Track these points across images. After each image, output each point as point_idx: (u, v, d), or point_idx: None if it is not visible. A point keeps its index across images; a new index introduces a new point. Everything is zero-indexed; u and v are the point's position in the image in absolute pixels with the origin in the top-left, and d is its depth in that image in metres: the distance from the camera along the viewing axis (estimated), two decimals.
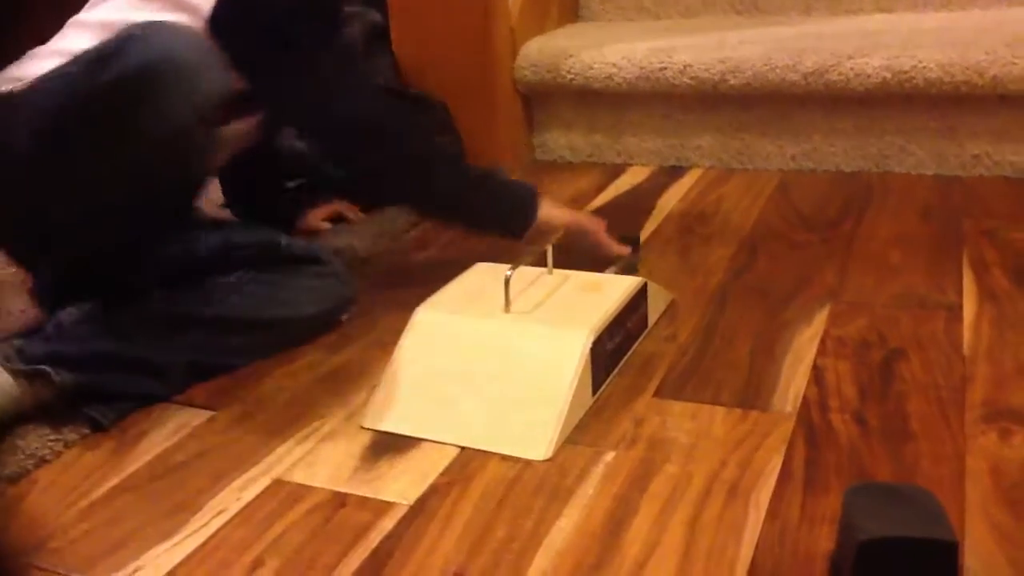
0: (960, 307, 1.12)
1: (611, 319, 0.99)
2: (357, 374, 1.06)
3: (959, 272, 1.22)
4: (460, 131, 1.77)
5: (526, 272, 1.07)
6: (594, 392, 0.97)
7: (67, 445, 0.94)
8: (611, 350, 1.00)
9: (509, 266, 1.01)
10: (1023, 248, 1.28)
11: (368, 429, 0.94)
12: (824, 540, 0.74)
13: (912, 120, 1.63)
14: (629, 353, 1.06)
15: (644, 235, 1.43)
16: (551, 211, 1.22)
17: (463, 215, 1.23)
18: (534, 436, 0.89)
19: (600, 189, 1.69)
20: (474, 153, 1.79)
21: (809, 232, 1.40)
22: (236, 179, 1.41)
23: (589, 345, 0.94)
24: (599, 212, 1.56)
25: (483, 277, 1.10)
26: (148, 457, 0.92)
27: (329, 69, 1.09)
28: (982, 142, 1.60)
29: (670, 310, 1.16)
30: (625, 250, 1.27)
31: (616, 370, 1.02)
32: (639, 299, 1.07)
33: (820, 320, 1.11)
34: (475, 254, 1.22)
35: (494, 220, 1.21)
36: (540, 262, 1.10)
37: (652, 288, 1.11)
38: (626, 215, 1.54)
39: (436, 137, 1.70)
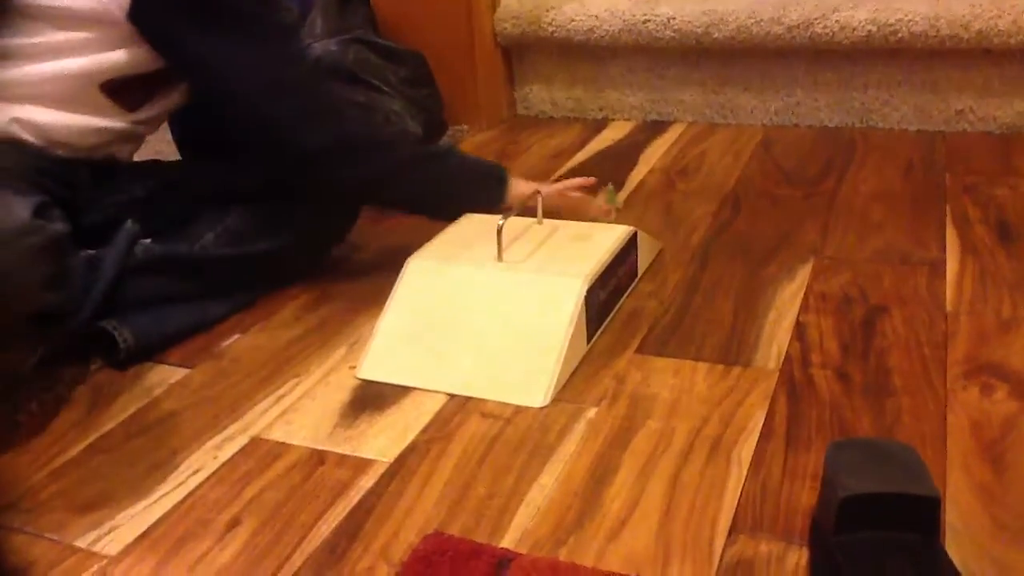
0: (943, 263, 1.11)
1: (604, 267, 0.99)
2: (335, 331, 1.05)
3: (942, 228, 1.21)
4: (439, 85, 1.74)
5: (516, 222, 1.06)
6: (588, 340, 0.96)
7: (40, 405, 0.93)
8: (603, 299, 1.00)
9: (500, 216, 1.00)
10: (1006, 204, 1.28)
11: (348, 385, 0.93)
12: (806, 495, 0.74)
13: (896, 74, 1.62)
14: (620, 302, 1.05)
15: (626, 191, 1.42)
16: (521, 186, 1.17)
17: (430, 204, 1.15)
18: (531, 383, 0.89)
19: (582, 144, 1.67)
20: (454, 108, 1.76)
21: (792, 188, 1.39)
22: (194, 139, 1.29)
23: (584, 292, 0.94)
24: (581, 168, 1.54)
25: (473, 227, 1.09)
26: (123, 416, 0.91)
27: (266, 48, 1.02)
28: (966, 97, 1.59)
29: (653, 266, 1.15)
30: (605, 210, 1.25)
31: (608, 319, 1.02)
32: (629, 248, 1.07)
33: (803, 276, 1.10)
34: None
35: (467, 205, 1.13)
36: (529, 213, 1.08)
37: (641, 237, 1.10)
38: (608, 171, 1.52)
39: (413, 90, 1.67)
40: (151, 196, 1.09)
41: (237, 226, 1.10)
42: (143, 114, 1.06)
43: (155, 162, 1.17)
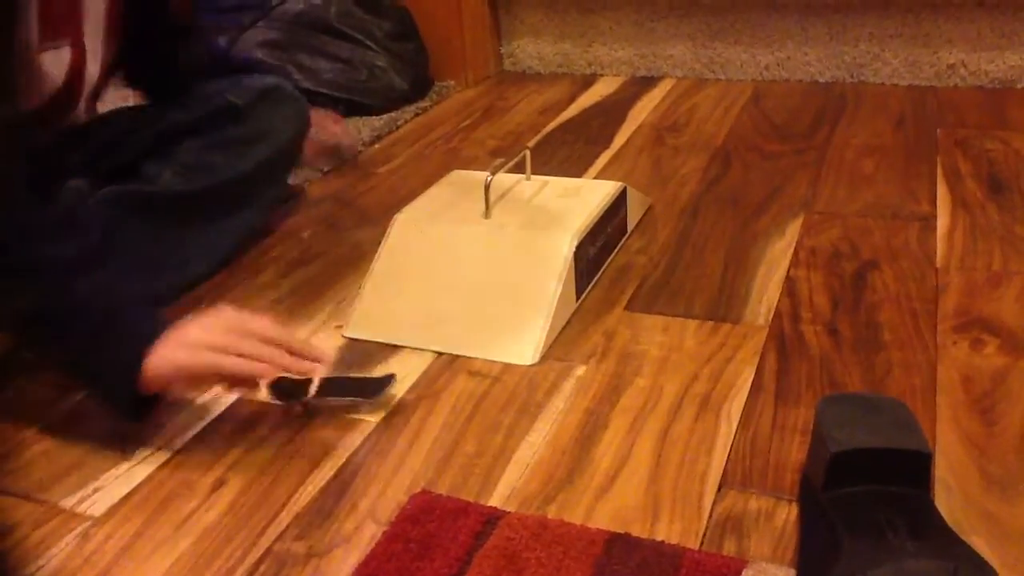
0: (933, 217, 1.11)
1: (593, 223, 0.98)
2: (321, 290, 1.04)
3: (933, 182, 1.20)
4: (424, 40, 1.71)
5: (504, 178, 1.05)
6: (577, 297, 0.95)
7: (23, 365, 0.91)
8: (593, 256, 0.99)
9: (487, 172, 0.98)
10: (997, 158, 1.27)
11: (335, 344, 0.92)
12: (796, 451, 0.73)
13: (888, 28, 1.60)
14: (610, 258, 1.04)
15: (617, 145, 1.40)
16: (166, 357, 0.75)
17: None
18: (520, 341, 0.88)
19: (570, 100, 1.65)
20: (439, 63, 1.74)
21: (782, 143, 1.38)
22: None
23: (573, 248, 0.92)
24: (570, 124, 1.52)
25: (460, 184, 1.07)
26: None
27: None
28: (958, 51, 1.57)
29: (642, 221, 1.14)
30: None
31: (598, 275, 1.01)
32: (619, 203, 1.05)
33: (793, 231, 1.09)
34: (441, 170, 1.18)
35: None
36: (519, 168, 1.07)
37: (631, 193, 1.09)
38: (597, 126, 1.50)
39: (398, 45, 1.64)
40: (94, 150, 1.05)
41: (191, 160, 1.06)
42: None
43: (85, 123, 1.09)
